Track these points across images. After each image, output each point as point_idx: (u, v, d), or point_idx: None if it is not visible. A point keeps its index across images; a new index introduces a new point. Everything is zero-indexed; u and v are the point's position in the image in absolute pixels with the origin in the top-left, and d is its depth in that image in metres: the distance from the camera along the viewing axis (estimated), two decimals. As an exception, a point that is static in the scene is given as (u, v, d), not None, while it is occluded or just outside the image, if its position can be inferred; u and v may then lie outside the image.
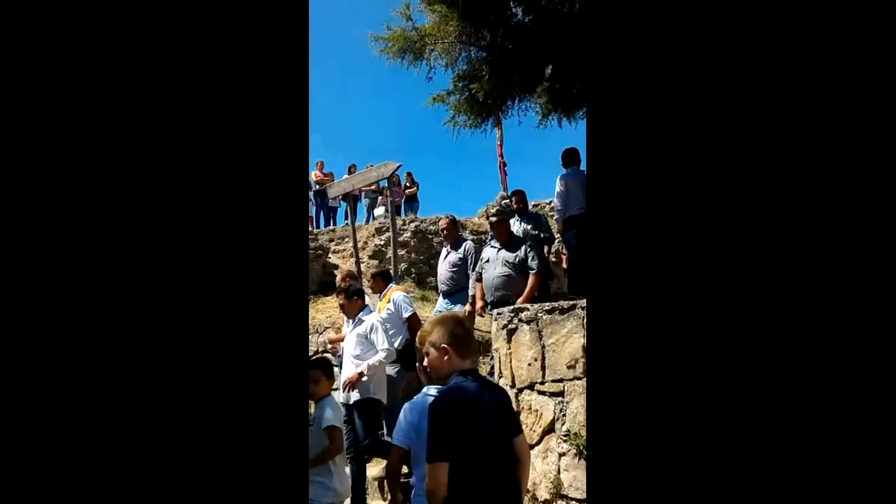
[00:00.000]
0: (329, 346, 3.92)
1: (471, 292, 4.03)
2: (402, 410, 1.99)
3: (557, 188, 4.34)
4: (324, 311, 6.64)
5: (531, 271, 3.70)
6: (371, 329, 3.34)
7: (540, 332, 2.79)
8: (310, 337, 5.22)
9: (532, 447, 2.77)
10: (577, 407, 2.55)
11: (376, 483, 3.68)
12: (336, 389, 3.06)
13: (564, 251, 4.85)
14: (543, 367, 2.75)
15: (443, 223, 4.57)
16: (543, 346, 2.77)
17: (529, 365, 2.83)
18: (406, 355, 3.64)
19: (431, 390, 1.93)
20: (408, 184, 10.23)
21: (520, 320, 2.92)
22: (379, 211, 9.67)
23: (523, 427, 2.84)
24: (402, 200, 9.84)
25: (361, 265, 7.56)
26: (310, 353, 4.93)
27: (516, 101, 5.16)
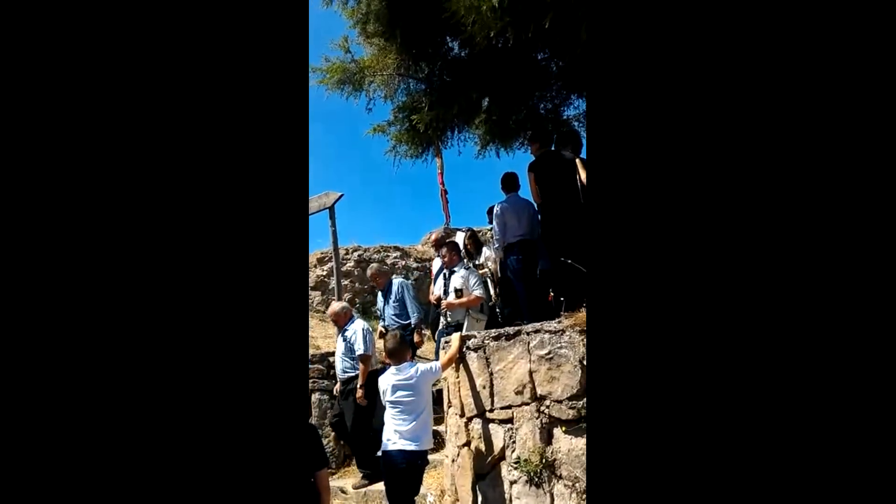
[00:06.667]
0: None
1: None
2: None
3: (495, 216, 4.20)
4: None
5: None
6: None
7: (487, 359, 2.82)
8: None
9: (483, 476, 2.76)
10: (526, 433, 2.57)
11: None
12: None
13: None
14: (492, 395, 2.77)
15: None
16: (491, 374, 2.78)
17: (478, 393, 2.84)
18: None
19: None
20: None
21: (468, 348, 2.93)
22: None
23: (473, 456, 2.84)
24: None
25: (303, 297, 7.36)
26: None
27: (455, 132, 5.27)
